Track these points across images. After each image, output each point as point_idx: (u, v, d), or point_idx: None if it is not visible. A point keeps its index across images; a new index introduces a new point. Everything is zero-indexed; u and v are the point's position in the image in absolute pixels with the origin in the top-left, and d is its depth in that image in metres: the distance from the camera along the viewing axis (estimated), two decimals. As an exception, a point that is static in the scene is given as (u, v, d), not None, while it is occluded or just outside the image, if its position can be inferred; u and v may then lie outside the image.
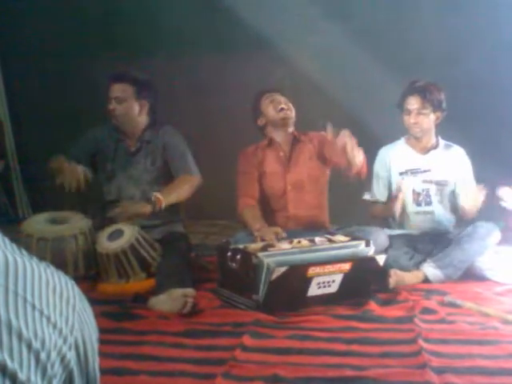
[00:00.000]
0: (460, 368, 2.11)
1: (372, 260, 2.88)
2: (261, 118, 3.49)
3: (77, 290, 0.78)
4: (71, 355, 0.72)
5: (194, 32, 4.69)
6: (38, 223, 3.16)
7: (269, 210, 3.41)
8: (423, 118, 3.35)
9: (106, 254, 3.03)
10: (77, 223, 3.14)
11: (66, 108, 4.79)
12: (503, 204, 3.21)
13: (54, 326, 0.71)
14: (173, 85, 4.50)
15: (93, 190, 3.46)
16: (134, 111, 3.34)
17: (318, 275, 2.74)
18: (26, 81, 4.87)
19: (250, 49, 4.63)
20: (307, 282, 2.73)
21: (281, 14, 4.64)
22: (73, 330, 0.73)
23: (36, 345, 0.68)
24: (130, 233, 3.06)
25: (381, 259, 2.89)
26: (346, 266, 2.79)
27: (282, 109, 3.41)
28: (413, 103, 3.34)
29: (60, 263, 2.99)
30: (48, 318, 0.70)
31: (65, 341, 0.72)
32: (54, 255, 2.98)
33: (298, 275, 2.73)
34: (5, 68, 4.92)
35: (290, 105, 3.47)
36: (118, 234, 3.07)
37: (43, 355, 0.68)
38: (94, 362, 0.78)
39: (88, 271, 3.08)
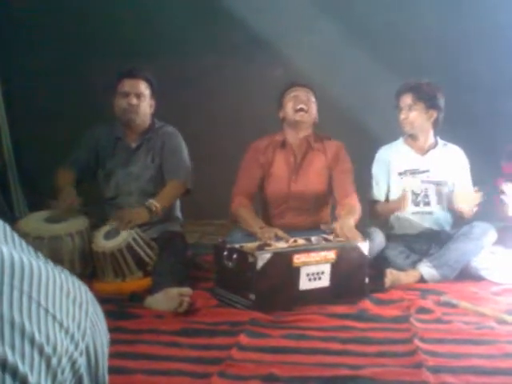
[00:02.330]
0: (456, 367, 2.12)
1: (356, 248, 2.90)
2: (281, 111, 3.36)
3: (90, 295, 0.78)
4: (82, 361, 0.72)
5: (192, 32, 4.68)
6: (34, 222, 3.16)
7: (266, 215, 3.38)
8: (414, 114, 3.37)
9: (102, 253, 3.02)
10: (73, 222, 3.14)
11: (63, 107, 4.78)
12: (504, 198, 3.21)
13: (66, 332, 0.70)
14: (171, 85, 4.49)
15: (90, 189, 3.47)
16: (149, 109, 3.39)
17: (305, 264, 2.76)
18: (24, 80, 4.86)
19: (248, 48, 4.63)
20: (295, 272, 2.75)
21: (279, 14, 4.63)
22: (85, 335, 0.73)
23: (48, 350, 0.67)
24: (126, 232, 3.06)
25: (365, 247, 2.90)
26: (332, 255, 2.82)
27: (301, 109, 3.26)
28: (405, 100, 3.38)
29: (56, 262, 2.97)
30: (60, 323, 0.70)
31: (76, 346, 0.71)
32: (51, 254, 2.98)
33: (283, 264, 2.74)
34: (2, 67, 4.91)
35: (313, 106, 3.31)
36: (115, 232, 3.07)
37: (54, 360, 0.68)
38: (104, 368, 0.78)
39: (84, 270, 3.08)
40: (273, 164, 3.34)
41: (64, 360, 0.69)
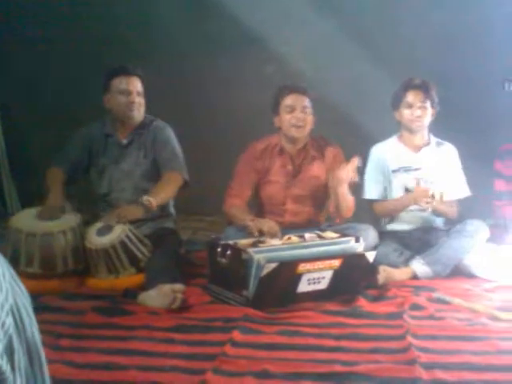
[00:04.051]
0: (449, 364, 2.13)
1: (362, 257, 2.89)
2: (277, 118, 3.28)
3: (2, 259, 0.79)
4: (9, 321, 0.75)
5: (186, 31, 4.68)
6: (27, 218, 3.14)
7: (263, 213, 3.35)
8: (425, 112, 3.38)
9: (95, 250, 3.01)
10: (66, 218, 3.12)
11: (57, 104, 4.77)
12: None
13: None
14: (165, 84, 4.48)
15: (83, 185, 3.46)
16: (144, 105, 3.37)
17: (309, 271, 2.74)
18: (17, 76, 4.84)
19: (242, 46, 4.62)
20: (297, 278, 2.73)
21: (272, 11, 4.63)
22: (8, 296, 0.75)
23: None
24: (119, 228, 3.04)
25: (371, 256, 2.89)
26: (336, 263, 2.79)
27: (297, 126, 3.21)
28: (415, 97, 3.37)
29: (49, 258, 2.98)
30: None
31: (2, 307, 0.74)
32: (43, 250, 2.97)
33: (288, 271, 2.72)
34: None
35: (309, 119, 3.22)
36: (108, 229, 3.05)
37: None
38: (32, 327, 0.80)
39: (77, 266, 3.06)
40: (270, 171, 3.31)
41: None
